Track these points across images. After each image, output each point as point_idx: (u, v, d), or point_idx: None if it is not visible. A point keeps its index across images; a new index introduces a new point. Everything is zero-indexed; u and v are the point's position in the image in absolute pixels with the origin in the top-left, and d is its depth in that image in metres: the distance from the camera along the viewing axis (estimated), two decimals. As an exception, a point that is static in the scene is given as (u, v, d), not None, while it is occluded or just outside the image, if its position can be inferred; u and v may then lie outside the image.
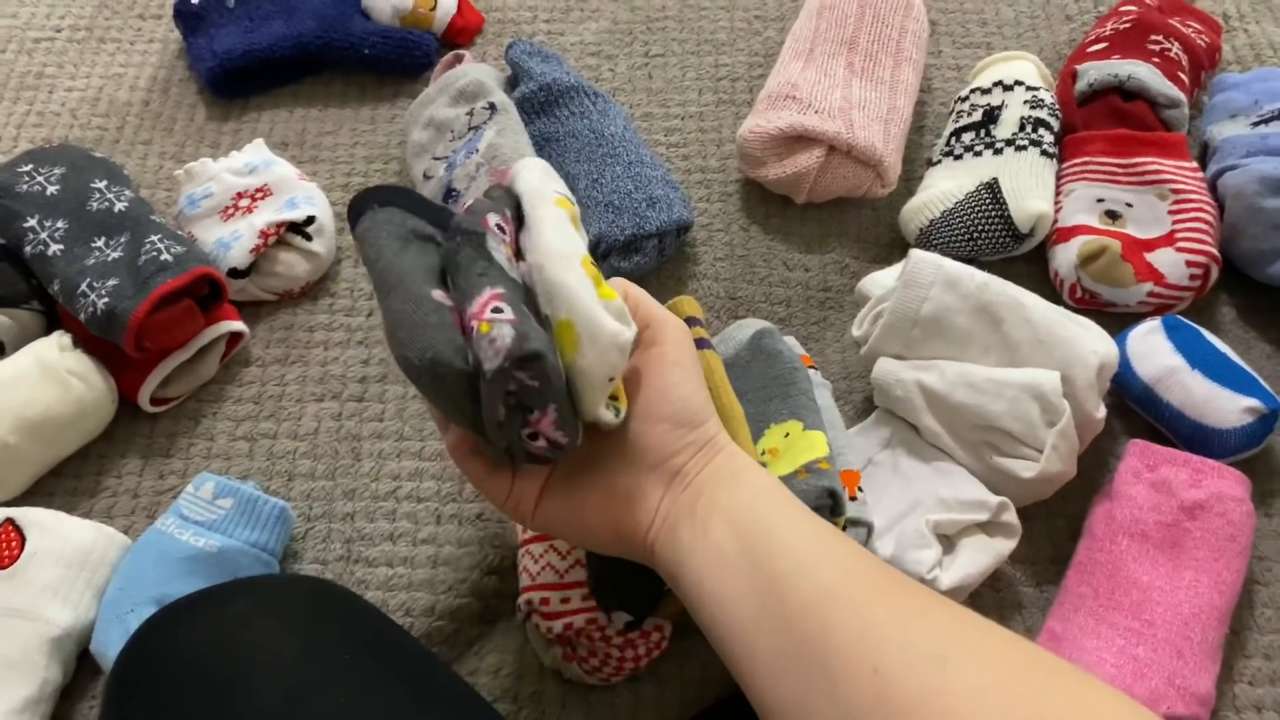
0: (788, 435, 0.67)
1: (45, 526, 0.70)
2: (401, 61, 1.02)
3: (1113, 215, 0.85)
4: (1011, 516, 0.70)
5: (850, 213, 0.93)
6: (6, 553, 0.69)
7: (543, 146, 0.90)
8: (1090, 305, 0.83)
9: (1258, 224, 0.81)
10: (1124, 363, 0.76)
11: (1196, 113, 0.95)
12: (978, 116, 0.91)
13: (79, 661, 0.69)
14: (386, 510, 0.76)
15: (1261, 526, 0.73)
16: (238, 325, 0.83)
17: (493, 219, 0.53)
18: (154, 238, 0.79)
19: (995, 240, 0.84)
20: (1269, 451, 0.75)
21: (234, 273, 0.84)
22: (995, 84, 0.92)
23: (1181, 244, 0.82)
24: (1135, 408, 0.78)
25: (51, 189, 0.82)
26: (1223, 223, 0.84)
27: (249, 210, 0.87)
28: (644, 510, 0.53)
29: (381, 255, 0.53)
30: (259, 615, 0.54)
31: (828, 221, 0.92)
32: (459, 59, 0.99)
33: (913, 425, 0.75)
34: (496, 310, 0.48)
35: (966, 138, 0.90)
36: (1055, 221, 0.86)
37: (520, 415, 0.50)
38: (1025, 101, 0.90)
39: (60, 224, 0.80)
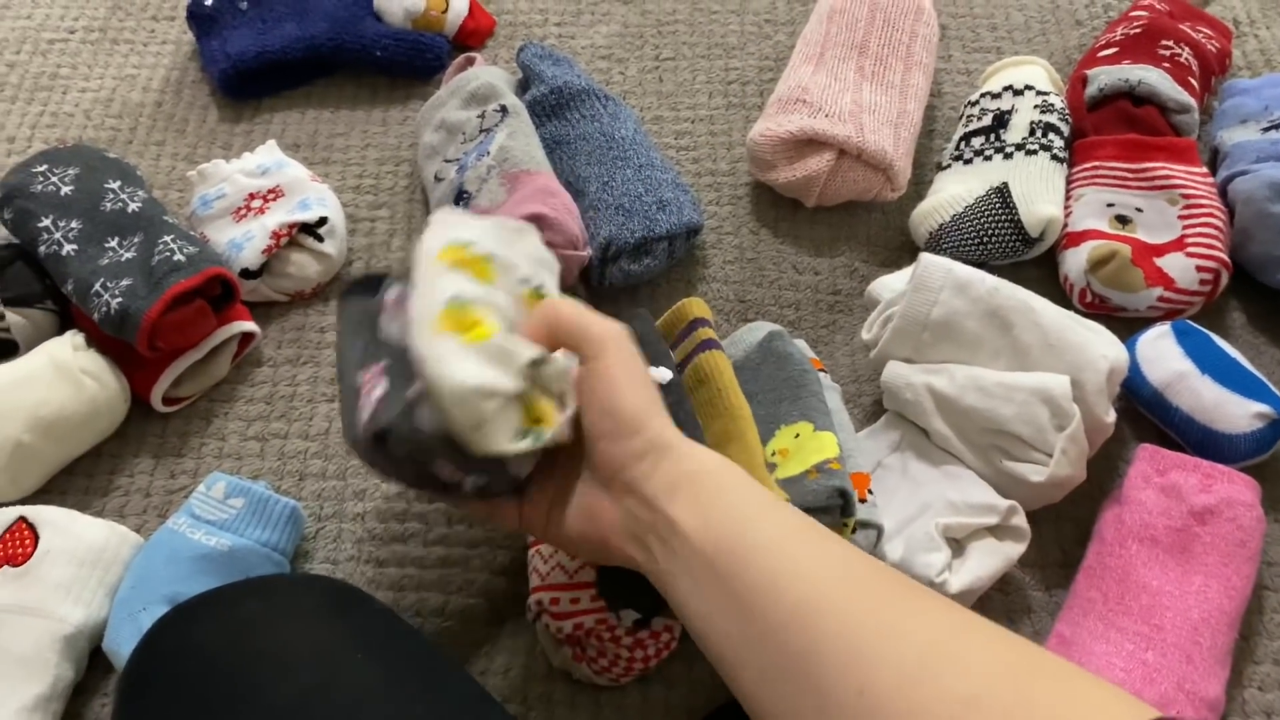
0: (798, 436, 0.67)
1: (58, 525, 0.70)
2: (413, 64, 1.02)
3: (1123, 220, 0.85)
4: (1021, 520, 0.70)
5: (860, 216, 0.93)
6: (20, 551, 0.69)
7: (554, 149, 0.90)
8: (1100, 310, 0.83)
9: (1268, 229, 0.81)
10: (1134, 367, 0.76)
11: (1207, 118, 0.95)
12: (988, 121, 0.91)
13: (91, 659, 0.70)
14: (397, 511, 0.77)
15: (1271, 532, 0.73)
16: (250, 326, 0.83)
17: (391, 294, 0.60)
18: (167, 238, 0.80)
19: (1005, 245, 0.84)
20: (1279, 457, 0.75)
21: (246, 273, 0.84)
22: (1005, 88, 0.92)
23: (1192, 249, 0.82)
24: (1145, 412, 0.78)
25: (66, 189, 0.82)
26: (1233, 228, 0.84)
27: (261, 211, 0.87)
28: (608, 526, 0.54)
29: (338, 347, 0.64)
30: (271, 615, 0.54)
31: (837, 225, 0.92)
32: (470, 62, 0.99)
33: (922, 429, 0.75)
34: (370, 390, 0.55)
35: (976, 142, 0.90)
36: (1065, 226, 0.86)
37: (424, 469, 0.54)
38: (1035, 106, 0.90)
39: (74, 224, 0.81)
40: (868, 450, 0.76)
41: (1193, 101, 0.90)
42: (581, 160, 0.89)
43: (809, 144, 0.89)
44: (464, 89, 0.93)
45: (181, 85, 1.05)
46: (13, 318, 0.80)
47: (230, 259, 0.84)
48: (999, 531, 0.70)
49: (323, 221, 0.87)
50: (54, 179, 0.83)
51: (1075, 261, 0.83)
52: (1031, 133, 0.88)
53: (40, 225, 0.80)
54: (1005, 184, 0.86)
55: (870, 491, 0.69)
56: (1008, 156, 0.88)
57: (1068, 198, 0.87)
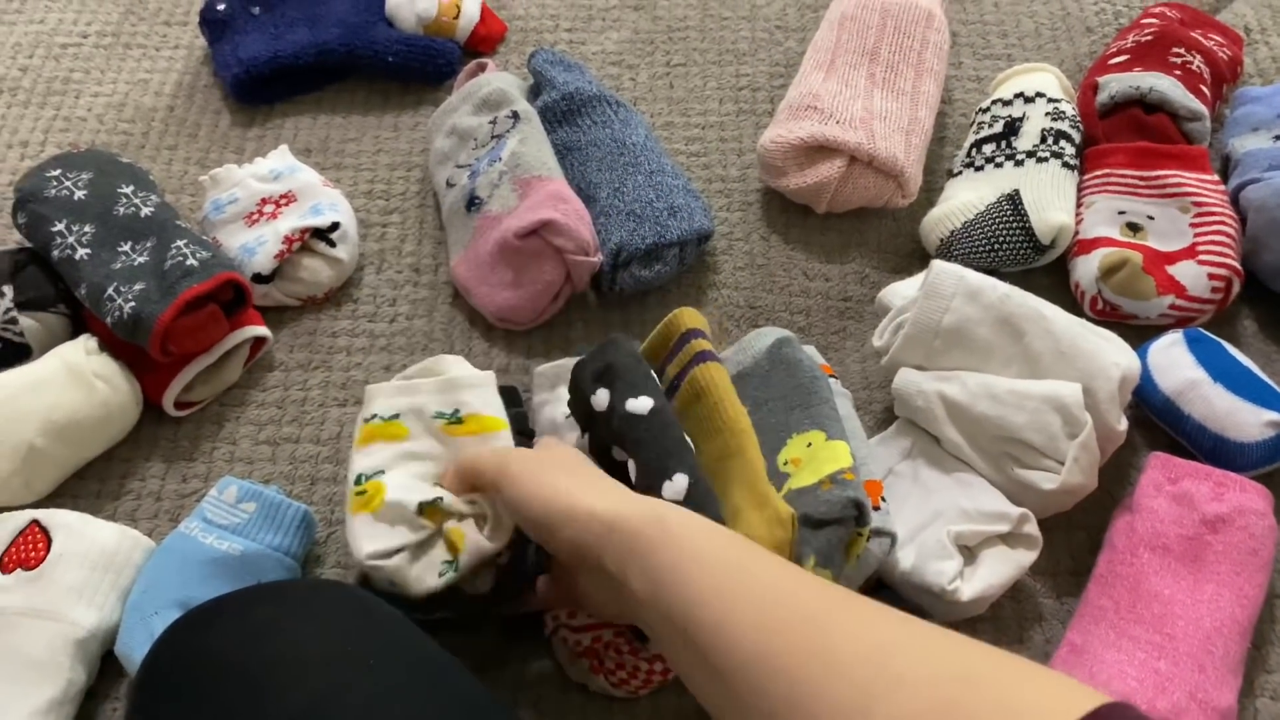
0: (810, 445, 0.67)
1: (71, 528, 0.71)
2: (425, 69, 1.02)
3: (1134, 228, 0.85)
4: (1033, 528, 0.70)
5: (871, 223, 0.93)
6: (33, 554, 0.69)
7: (565, 155, 0.91)
8: (1111, 317, 0.83)
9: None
10: (1145, 375, 0.76)
11: (1218, 126, 0.95)
12: (999, 128, 0.91)
13: (103, 663, 0.70)
14: (408, 516, 0.77)
15: (1283, 541, 0.73)
16: (261, 330, 0.83)
17: None
18: (180, 243, 0.80)
19: (1016, 252, 0.84)
20: (1291, 465, 0.75)
21: (258, 278, 0.84)
22: (1016, 96, 0.92)
23: (1203, 257, 0.81)
24: (1157, 420, 0.78)
25: (79, 194, 0.83)
26: (1245, 236, 0.84)
27: (273, 216, 0.87)
28: (602, 604, 0.62)
29: None
30: (284, 619, 0.54)
31: (848, 231, 0.92)
32: (482, 68, 0.99)
33: (934, 436, 0.75)
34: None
35: (987, 149, 0.90)
36: (1076, 233, 0.86)
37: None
38: (1046, 113, 0.90)
39: (87, 228, 0.81)
40: (879, 457, 0.76)
41: (1204, 109, 0.90)
42: (593, 166, 0.89)
43: (820, 150, 0.89)
44: (475, 95, 0.93)
45: (194, 90, 1.05)
46: (26, 322, 0.80)
47: (242, 264, 0.85)
48: (1011, 539, 0.70)
49: (335, 226, 0.87)
50: (67, 183, 0.83)
51: (1086, 269, 0.83)
52: (1043, 140, 0.88)
53: (54, 229, 0.81)
54: (1016, 191, 0.86)
55: (884, 499, 0.69)
56: (1019, 164, 0.88)
57: (1079, 205, 0.87)
